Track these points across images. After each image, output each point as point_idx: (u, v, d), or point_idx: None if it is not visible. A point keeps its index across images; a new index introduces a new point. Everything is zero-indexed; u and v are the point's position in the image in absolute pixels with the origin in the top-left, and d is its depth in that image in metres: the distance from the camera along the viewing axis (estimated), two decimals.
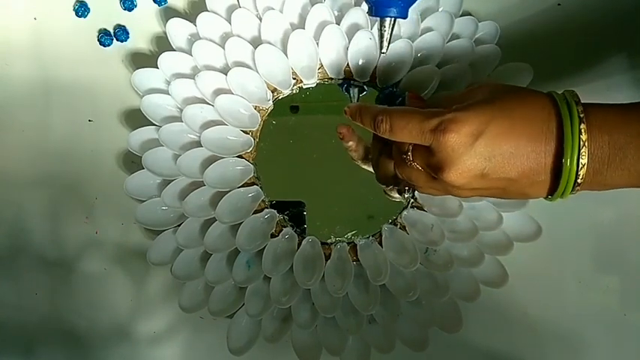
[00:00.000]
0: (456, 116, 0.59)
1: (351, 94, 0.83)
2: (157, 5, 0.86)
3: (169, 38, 0.81)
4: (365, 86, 0.84)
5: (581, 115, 0.58)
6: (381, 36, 0.71)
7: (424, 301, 0.82)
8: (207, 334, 0.88)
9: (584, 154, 0.57)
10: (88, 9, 0.86)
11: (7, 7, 0.87)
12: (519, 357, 0.85)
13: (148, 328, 0.89)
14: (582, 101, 0.59)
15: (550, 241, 0.81)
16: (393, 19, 0.70)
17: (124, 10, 0.86)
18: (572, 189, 0.59)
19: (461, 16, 0.81)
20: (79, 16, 0.86)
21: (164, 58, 0.81)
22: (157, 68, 0.81)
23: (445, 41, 0.80)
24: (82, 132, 0.87)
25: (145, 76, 0.82)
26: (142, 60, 0.86)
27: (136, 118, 0.83)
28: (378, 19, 0.71)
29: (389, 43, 0.72)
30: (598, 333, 0.84)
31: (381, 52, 0.73)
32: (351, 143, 0.78)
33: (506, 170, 0.59)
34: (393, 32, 0.72)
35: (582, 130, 0.57)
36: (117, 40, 0.86)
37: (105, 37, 0.86)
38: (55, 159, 0.88)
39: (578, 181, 0.58)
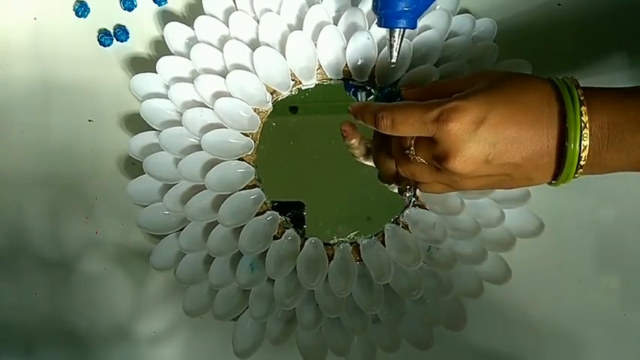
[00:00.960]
0: (457, 105, 0.61)
1: (359, 98, 0.83)
2: (157, 5, 0.86)
3: (167, 42, 0.81)
4: (372, 90, 0.83)
5: (582, 98, 0.59)
6: (391, 46, 0.71)
7: (428, 300, 0.82)
8: (208, 335, 0.88)
9: (585, 135, 0.58)
10: (88, 9, 0.86)
11: (7, 7, 0.87)
12: (519, 357, 0.85)
13: (148, 329, 0.89)
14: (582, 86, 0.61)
15: (550, 241, 0.81)
16: (402, 29, 0.70)
17: (124, 10, 0.86)
18: (575, 171, 0.60)
19: (458, 13, 0.82)
20: (79, 16, 0.86)
21: (163, 63, 0.81)
22: (156, 72, 0.81)
23: (443, 39, 0.80)
24: (82, 132, 0.87)
25: (144, 81, 0.82)
26: (141, 63, 0.86)
27: (135, 118, 0.83)
28: (388, 29, 0.70)
29: (398, 54, 0.71)
30: (598, 333, 0.84)
31: (390, 63, 0.72)
32: (353, 141, 0.79)
33: (510, 155, 0.60)
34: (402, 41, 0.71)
35: (583, 112, 0.58)
36: (117, 40, 0.86)
37: (105, 37, 0.86)
38: (55, 159, 0.88)
39: (581, 163, 0.60)
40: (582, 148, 0.59)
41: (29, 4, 0.87)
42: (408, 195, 0.79)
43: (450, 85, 0.66)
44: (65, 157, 0.88)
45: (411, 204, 0.82)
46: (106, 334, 0.90)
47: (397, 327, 0.82)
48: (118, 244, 0.88)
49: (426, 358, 0.83)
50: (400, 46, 0.71)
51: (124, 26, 0.86)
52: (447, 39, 0.80)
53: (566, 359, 0.85)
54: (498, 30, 0.80)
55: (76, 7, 0.86)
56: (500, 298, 0.84)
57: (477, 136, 0.60)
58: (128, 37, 0.86)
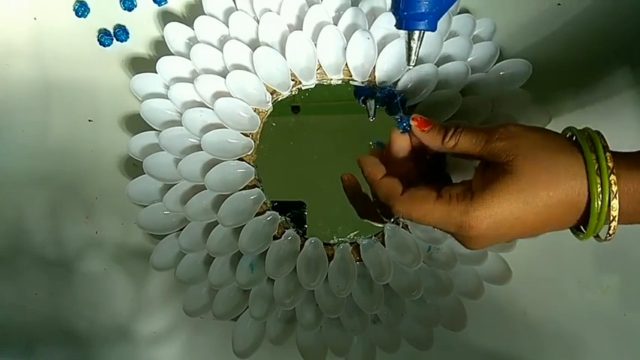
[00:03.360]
0: (477, 217, 0.58)
1: (368, 107, 0.82)
2: (156, 5, 0.86)
3: (167, 43, 0.82)
4: (379, 93, 0.82)
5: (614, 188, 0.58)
6: (409, 49, 0.67)
7: (428, 300, 0.82)
8: (207, 334, 0.88)
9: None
10: (88, 9, 0.86)
11: (7, 7, 0.87)
12: (519, 357, 0.85)
13: (148, 328, 0.89)
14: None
15: (550, 241, 0.80)
16: (422, 32, 0.66)
17: (124, 10, 0.86)
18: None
19: (458, 13, 0.82)
20: (79, 16, 0.86)
21: (163, 63, 0.81)
22: (156, 72, 0.81)
23: (443, 39, 0.80)
24: (82, 132, 0.87)
25: (144, 81, 0.82)
26: (141, 63, 0.87)
27: (135, 118, 0.83)
28: (406, 32, 0.67)
29: (417, 57, 0.68)
30: (598, 333, 0.84)
31: (408, 65, 0.68)
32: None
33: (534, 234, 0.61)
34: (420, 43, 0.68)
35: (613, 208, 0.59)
36: (117, 40, 0.86)
37: (105, 37, 0.86)
38: (55, 159, 0.88)
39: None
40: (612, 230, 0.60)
41: (29, 4, 0.87)
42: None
43: (482, 135, 0.62)
44: (65, 157, 0.88)
45: None
46: (106, 334, 0.89)
47: (397, 327, 0.82)
48: (118, 244, 0.88)
49: (426, 358, 0.83)
50: (419, 48, 0.67)
51: (124, 26, 0.86)
52: (447, 39, 0.80)
53: (566, 359, 0.85)
54: (498, 30, 0.81)
55: (76, 7, 0.86)
56: (500, 298, 0.84)
57: (497, 233, 0.59)
58: (128, 37, 0.86)
